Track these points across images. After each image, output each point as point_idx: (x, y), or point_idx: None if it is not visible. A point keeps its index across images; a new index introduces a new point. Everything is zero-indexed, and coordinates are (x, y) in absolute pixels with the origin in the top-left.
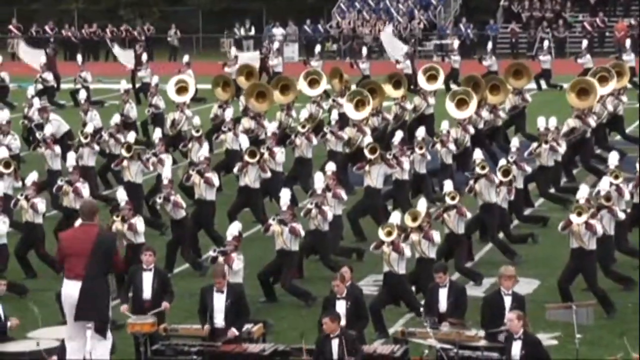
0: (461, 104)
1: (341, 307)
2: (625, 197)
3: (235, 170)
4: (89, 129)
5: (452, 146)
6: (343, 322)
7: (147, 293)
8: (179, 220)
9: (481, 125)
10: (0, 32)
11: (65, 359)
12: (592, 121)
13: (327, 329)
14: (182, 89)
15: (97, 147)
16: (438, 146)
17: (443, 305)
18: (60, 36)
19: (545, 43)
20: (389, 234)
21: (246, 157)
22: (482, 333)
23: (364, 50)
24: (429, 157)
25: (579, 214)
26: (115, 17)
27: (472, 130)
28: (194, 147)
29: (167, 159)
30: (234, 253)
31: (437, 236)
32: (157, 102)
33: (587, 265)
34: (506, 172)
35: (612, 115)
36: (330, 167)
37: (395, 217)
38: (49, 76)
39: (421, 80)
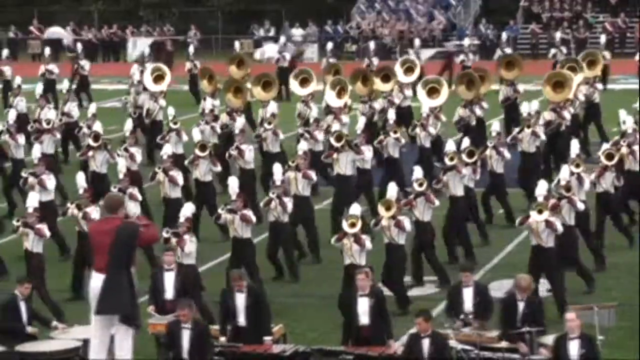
0: (432, 92)
1: (364, 304)
2: (585, 186)
3: (186, 162)
4: (51, 115)
5: (432, 130)
6: (366, 321)
7: (169, 293)
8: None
9: (473, 123)
10: (22, 34)
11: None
12: (568, 114)
13: (420, 328)
14: (158, 78)
15: (58, 135)
16: (418, 129)
17: (468, 305)
18: (80, 37)
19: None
20: (353, 225)
21: (197, 151)
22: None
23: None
24: (403, 141)
25: (540, 212)
26: (135, 18)
27: (444, 118)
28: (171, 140)
29: (137, 153)
30: (186, 235)
31: (407, 223)
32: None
33: (545, 262)
34: (471, 154)
35: (588, 103)
36: (302, 146)
37: (355, 209)
38: (55, 69)
39: (399, 72)
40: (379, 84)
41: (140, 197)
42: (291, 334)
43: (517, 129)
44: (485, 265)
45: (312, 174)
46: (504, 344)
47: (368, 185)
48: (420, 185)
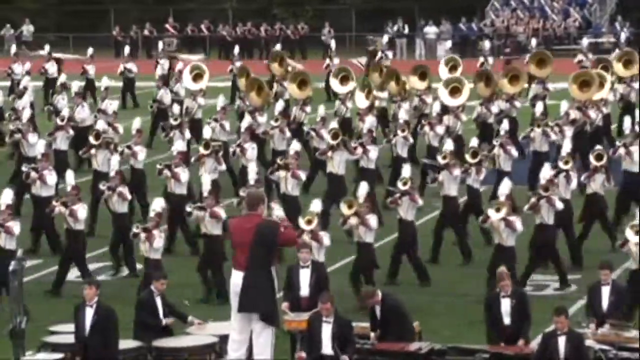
0: (454, 91)
1: (506, 305)
2: (572, 185)
3: (192, 160)
4: (66, 112)
5: (439, 129)
6: (508, 321)
7: (304, 290)
8: (120, 214)
9: (491, 120)
10: (157, 32)
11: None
12: (593, 113)
13: (560, 326)
14: (197, 76)
15: (71, 132)
16: (426, 128)
17: (605, 304)
18: (215, 35)
19: None
20: (309, 222)
21: (201, 149)
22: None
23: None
24: (410, 140)
25: (497, 210)
26: (269, 15)
27: (464, 118)
28: (175, 137)
29: (141, 152)
30: (156, 230)
31: (374, 221)
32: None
33: (505, 261)
34: (475, 154)
35: (625, 101)
36: (295, 146)
37: (315, 205)
38: (133, 67)
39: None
40: (415, 82)
41: (129, 197)
42: (426, 332)
43: (529, 128)
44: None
45: (302, 174)
46: None
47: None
48: (405, 184)
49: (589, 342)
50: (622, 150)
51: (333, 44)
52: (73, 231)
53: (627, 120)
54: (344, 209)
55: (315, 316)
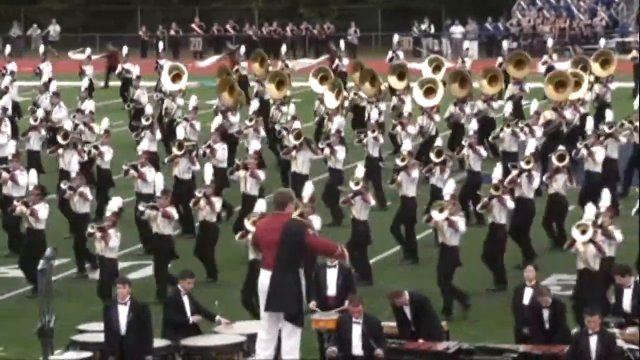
0: (429, 92)
1: (546, 314)
2: (534, 184)
3: (165, 160)
4: (40, 112)
5: (411, 129)
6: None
7: (331, 290)
8: (82, 214)
9: (464, 120)
10: (183, 31)
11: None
12: (569, 114)
13: (593, 325)
14: (176, 77)
15: (43, 132)
16: (398, 128)
17: (626, 305)
18: (241, 35)
19: None
20: (254, 223)
21: (174, 150)
22: None
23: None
24: (381, 141)
25: (441, 210)
26: (295, 15)
27: (437, 118)
28: (146, 136)
29: (108, 152)
30: (112, 229)
31: (317, 222)
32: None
33: (446, 260)
34: (439, 153)
35: (601, 102)
36: (254, 145)
37: (260, 205)
38: (131, 67)
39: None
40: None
41: (90, 197)
42: (454, 332)
43: (498, 129)
44: None
45: (260, 174)
46: None
47: (339, 184)
48: (357, 184)
49: (617, 342)
50: (584, 151)
51: (342, 44)
52: (33, 230)
53: (589, 121)
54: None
55: (345, 317)
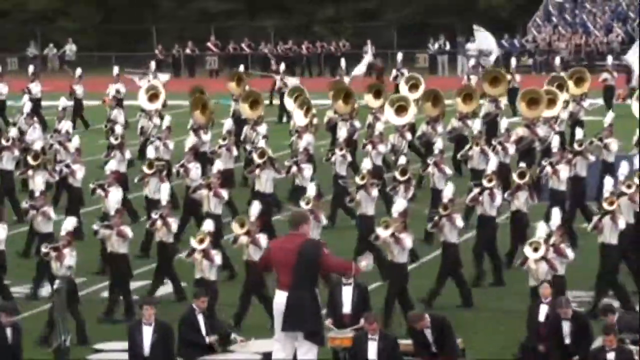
0: (400, 110)
1: (566, 327)
2: (496, 202)
3: (135, 180)
4: (13, 132)
5: (382, 148)
6: (568, 342)
7: (347, 307)
8: (45, 234)
9: (436, 139)
10: (199, 50)
11: None
12: (541, 131)
13: (610, 343)
14: (153, 97)
15: (17, 152)
16: (369, 147)
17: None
18: (256, 53)
19: None
20: (201, 241)
21: (145, 169)
22: None
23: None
24: (349, 159)
25: (386, 227)
26: (310, 33)
27: (409, 136)
28: (116, 157)
29: (80, 170)
30: (67, 249)
31: (263, 240)
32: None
33: (394, 277)
34: (404, 172)
35: (574, 119)
36: (217, 165)
37: (207, 225)
38: (121, 88)
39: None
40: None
41: (53, 216)
42: (470, 349)
43: (467, 147)
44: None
45: (224, 193)
46: None
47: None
48: (307, 203)
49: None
50: (548, 169)
51: (343, 62)
52: None
53: (555, 139)
54: (235, 227)
55: (361, 334)
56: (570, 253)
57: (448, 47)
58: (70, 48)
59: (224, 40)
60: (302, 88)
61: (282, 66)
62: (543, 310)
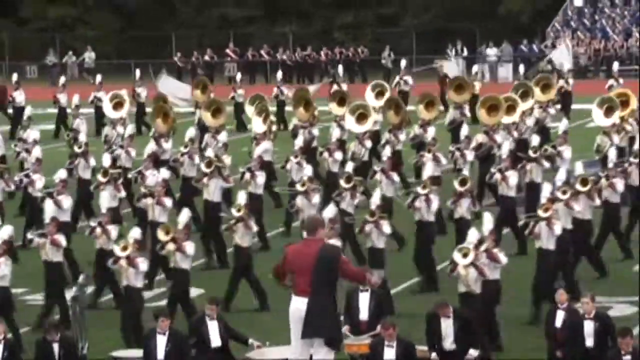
0: (361, 118)
1: (589, 327)
2: (433, 207)
3: (91, 188)
4: None
5: (338, 155)
6: (591, 343)
7: (363, 314)
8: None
9: (399, 147)
10: (218, 57)
11: None
12: (499, 137)
13: (625, 347)
14: (118, 105)
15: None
16: (325, 154)
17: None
18: (275, 59)
19: None
20: (125, 249)
21: (99, 177)
22: None
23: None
24: (304, 165)
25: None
26: (329, 39)
27: (369, 144)
28: (80, 164)
29: (39, 180)
30: (2, 258)
31: (190, 248)
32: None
33: None
34: (349, 179)
35: (540, 126)
36: (164, 174)
37: (135, 232)
38: (143, 92)
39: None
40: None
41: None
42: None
43: (420, 154)
44: None
45: (167, 201)
46: None
47: (259, 212)
48: (239, 210)
49: None
50: (497, 176)
51: (340, 69)
52: None
53: (505, 145)
54: (160, 235)
55: (378, 341)
56: (503, 258)
57: (465, 53)
58: (90, 55)
59: (242, 47)
60: (262, 95)
61: (279, 74)
62: (560, 317)
